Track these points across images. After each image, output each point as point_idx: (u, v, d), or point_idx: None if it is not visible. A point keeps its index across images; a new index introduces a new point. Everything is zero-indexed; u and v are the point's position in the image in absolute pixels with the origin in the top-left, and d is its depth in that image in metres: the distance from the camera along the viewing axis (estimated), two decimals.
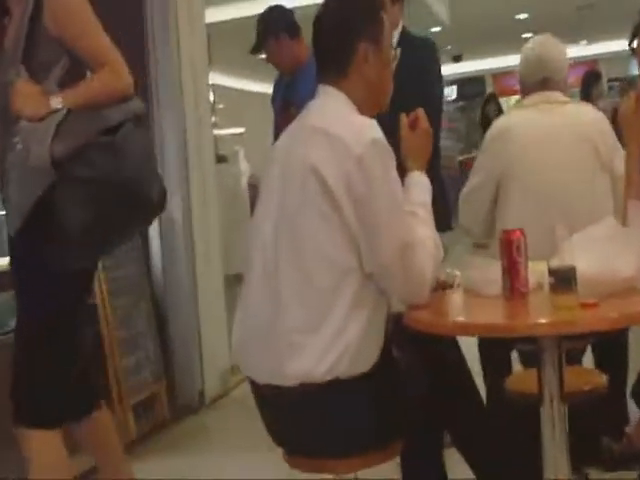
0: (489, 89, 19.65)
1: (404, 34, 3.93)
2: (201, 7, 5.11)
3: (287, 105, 4.22)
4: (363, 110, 2.27)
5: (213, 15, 5.32)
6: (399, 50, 2.46)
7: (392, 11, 3.56)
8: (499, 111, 9.48)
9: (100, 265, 4.02)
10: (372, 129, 2.15)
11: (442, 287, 2.42)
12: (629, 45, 2.72)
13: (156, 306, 4.57)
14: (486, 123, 9.34)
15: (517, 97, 4.56)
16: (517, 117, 3.39)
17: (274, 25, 4.34)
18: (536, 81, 3.31)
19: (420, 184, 2.40)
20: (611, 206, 3.11)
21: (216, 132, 7.05)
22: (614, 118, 3.33)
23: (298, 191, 2.14)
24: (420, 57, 3.84)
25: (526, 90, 3.37)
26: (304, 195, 2.13)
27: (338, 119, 2.21)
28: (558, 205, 3.03)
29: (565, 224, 2.19)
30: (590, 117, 3.30)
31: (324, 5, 2.38)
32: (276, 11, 4.43)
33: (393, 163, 2.15)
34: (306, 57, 4.22)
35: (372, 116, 2.25)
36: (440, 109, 4.06)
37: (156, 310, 4.55)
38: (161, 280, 4.67)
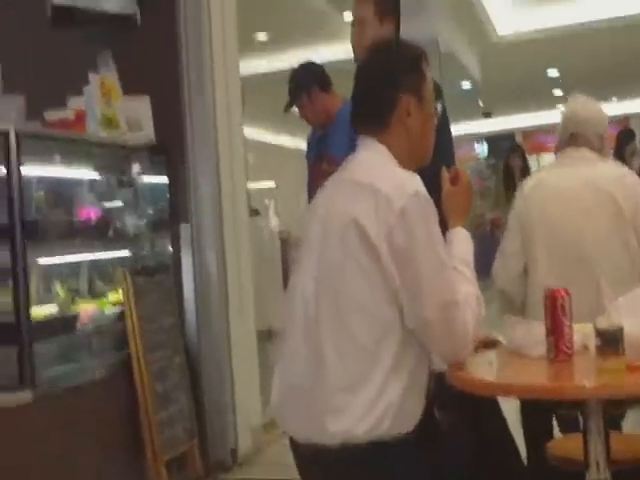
0: None
1: None
2: (236, 60, 5.15)
3: (320, 159, 4.22)
4: (404, 163, 2.26)
5: (245, 68, 5.35)
6: (440, 104, 2.46)
7: (381, 29, 3.55)
8: (524, 162, 9.36)
9: (135, 317, 4.03)
10: (414, 182, 2.14)
11: (484, 346, 2.40)
12: None
13: (190, 360, 4.54)
14: (509, 173, 9.27)
15: (549, 154, 4.61)
16: (541, 176, 3.45)
17: (305, 80, 4.37)
18: (566, 138, 3.34)
19: (463, 240, 2.38)
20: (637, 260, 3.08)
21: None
22: None
23: (339, 245, 2.13)
24: None
25: (558, 147, 3.40)
26: (345, 249, 2.11)
27: (380, 172, 2.20)
28: (582, 263, 3.02)
29: (604, 280, 2.17)
30: (612, 172, 3.29)
31: (370, 57, 2.41)
32: (306, 67, 4.47)
33: (436, 217, 2.14)
34: (337, 110, 4.24)
35: (414, 170, 2.24)
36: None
37: (190, 364, 4.52)
38: (195, 334, 4.65)
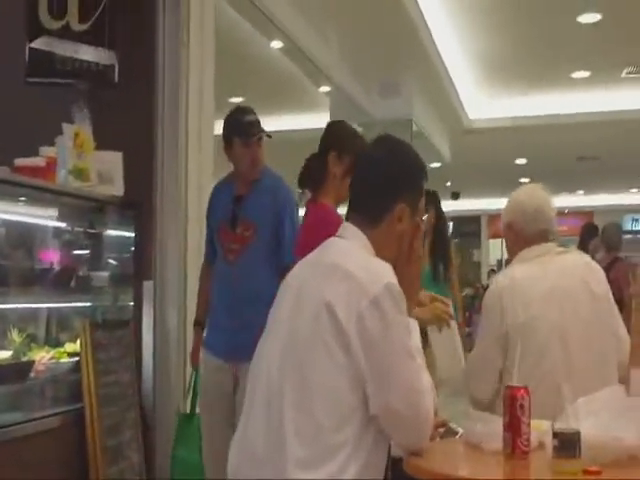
0: (484, 229, 19.82)
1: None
2: (211, 120, 5.16)
3: (234, 222, 4.08)
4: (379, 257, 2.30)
5: (219, 127, 5.36)
6: (427, 216, 2.50)
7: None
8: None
9: (92, 370, 3.98)
10: (389, 273, 2.18)
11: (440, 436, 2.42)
12: None
13: (144, 416, 4.49)
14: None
15: None
16: (519, 273, 3.26)
17: (261, 126, 4.14)
18: (535, 232, 3.28)
19: (415, 330, 2.41)
20: (613, 360, 3.09)
21: None
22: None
23: (310, 324, 2.14)
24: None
25: (526, 240, 3.30)
26: (316, 329, 2.12)
27: (358, 260, 2.23)
28: (560, 363, 3.02)
29: (569, 383, 2.20)
30: (584, 262, 3.32)
31: (379, 152, 2.43)
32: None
33: (405, 309, 2.17)
34: (261, 170, 4.16)
35: None
36: None
37: (144, 420, 4.47)
38: (151, 391, 4.59)
